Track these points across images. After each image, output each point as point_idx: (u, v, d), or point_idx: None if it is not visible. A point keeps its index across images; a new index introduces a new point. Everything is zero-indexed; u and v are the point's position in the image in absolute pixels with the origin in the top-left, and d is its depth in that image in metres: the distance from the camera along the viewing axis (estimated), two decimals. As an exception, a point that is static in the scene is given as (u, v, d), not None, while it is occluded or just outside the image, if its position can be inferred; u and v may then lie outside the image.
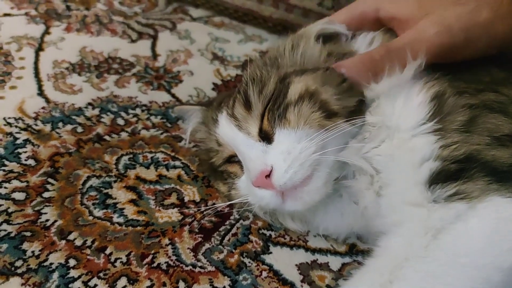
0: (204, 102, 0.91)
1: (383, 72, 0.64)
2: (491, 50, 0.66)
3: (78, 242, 0.68)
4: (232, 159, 0.72)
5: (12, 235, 0.67)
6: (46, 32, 1.11)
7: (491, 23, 0.63)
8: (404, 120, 0.62)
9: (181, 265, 0.67)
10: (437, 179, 0.57)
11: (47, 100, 0.92)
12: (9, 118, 0.86)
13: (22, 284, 0.62)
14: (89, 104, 0.93)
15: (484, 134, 0.58)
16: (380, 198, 0.63)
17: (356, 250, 0.73)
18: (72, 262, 0.66)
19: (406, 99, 0.63)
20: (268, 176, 0.62)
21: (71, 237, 0.69)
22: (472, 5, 0.63)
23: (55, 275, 0.64)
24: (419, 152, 0.59)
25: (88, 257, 0.67)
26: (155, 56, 1.10)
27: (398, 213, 0.60)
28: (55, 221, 0.71)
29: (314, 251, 0.72)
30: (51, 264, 0.65)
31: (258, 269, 0.68)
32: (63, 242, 0.68)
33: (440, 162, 0.57)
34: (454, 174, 0.57)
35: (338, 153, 0.64)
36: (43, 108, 0.90)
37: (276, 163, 0.62)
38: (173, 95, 0.99)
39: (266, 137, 0.65)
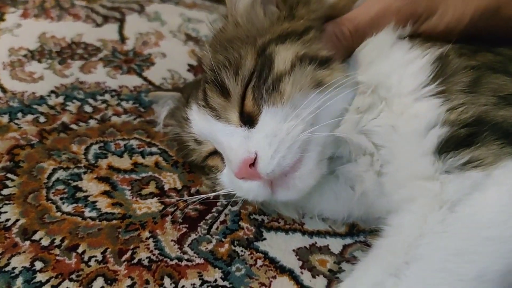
0: (178, 88, 0.83)
1: (357, 45, 0.62)
2: (460, 25, 0.61)
3: (45, 242, 0.60)
4: (212, 153, 0.64)
5: (-34, 238, 0.59)
6: (0, 19, 1.01)
7: None
8: (404, 82, 0.56)
9: (165, 259, 0.60)
10: (447, 146, 0.52)
11: (4, 90, 0.83)
12: (-40, 110, 0.76)
13: (-20, 294, 0.53)
14: (52, 92, 0.85)
15: (490, 94, 0.54)
16: (382, 177, 0.57)
17: (357, 230, 0.67)
18: (38, 265, 0.57)
19: (406, 60, 0.58)
20: (252, 164, 0.54)
21: (36, 236, 0.61)
22: None
23: (19, 281, 0.55)
24: (424, 118, 0.54)
25: (57, 257, 0.58)
26: (123, 39, 1.01)
27: (407, 189, 0.54)
28: (17, 220, 0.62)
29: (311, 234, 0.65)
30: (13, 268, 0.56)
31: (252, 258, 0.61)
32: (27, 243, 0.60)
33: (449, 128, 0.52)
34: (465, 140, 0.52)
35: (332, 129, 0.57)
36: (-1, 98, 0.81)
37: (260, 149, 0.54)
38: (145, 79, 0.91)
39: (249, 120, 0.57)
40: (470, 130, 0.52)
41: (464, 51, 0.58)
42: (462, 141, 0.52)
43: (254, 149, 0.54)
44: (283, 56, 0.58)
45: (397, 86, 0.57)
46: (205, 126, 0.60)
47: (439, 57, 0.56)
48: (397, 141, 0.55)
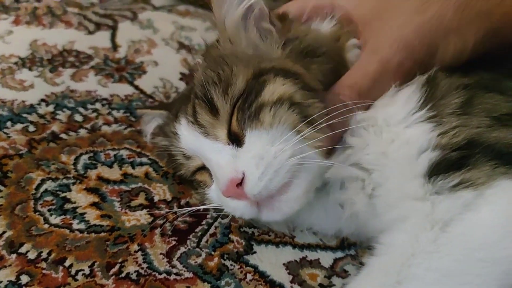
0: (165, 105, 0.81)
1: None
2: (463, 56, 0.58)
3: (32, 255, 0.59)
4: (201, 168, 0.64)
5: (-49, 251, 0.58)
6: (-9, 25, 1.00)
7: (457, 26, 0.56)
8: (393, 111, 0.56)
9: (153, 273, 0.59)
10: (438, 169, 0.51)
11: (-7, 98, 0.82)
12: None
13: (-36, 309, 0.52)
14: (42, 100, 0.84)
15: (483, 115, 0.53)
16: (374, 199, 0.56)
17: (348, 243, 0.66)
18: (24, 279, 0.56)
19: (394, 91, 0.58)
20: (239, 184, 0.54)
21: (23, 249, 0.60)
22: (433, 10, 0.57)
23: (4, 295, 0.54)
24: (415, 144, 0.53)
25: (43, 271, 0.57)
26: (115, 47, 1.01)
27: (398, 209, 0.54)
28: (4, 232, 0.61)
29: (302, 247, 0.65)
30: (-1, 282, 0.55)
31: (241, 272, 0.60)
32: (14, 256, 0.59)
33: (440, 151, 0.52)
34: (456, 163, 0.51)
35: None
36: (-12, 106, 0.80)
37: (248, 170, 0.54)
38: (136, 87, 0.90)
39: (236, 139, 0.57)
40: (462, 153, 0.51)
41: (454, 70, 0.57)
42: (453, 164, 0.51)
43: (242, 169, 0.54)
44: (274, 88, 0.57)
45: (386, 116, 0.56)
46: (194, 142, 0.60)
47: (426, 81, 0.56)
48: (388, 165, 0.55)
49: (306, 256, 0.63)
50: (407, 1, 0.58)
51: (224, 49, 0.62)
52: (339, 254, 0.64)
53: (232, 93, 0.57)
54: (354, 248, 0.65)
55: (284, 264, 0.62)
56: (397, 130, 0.55)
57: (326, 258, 0.63)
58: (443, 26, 0.56)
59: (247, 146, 0.55)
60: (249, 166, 0.54)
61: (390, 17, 0.59)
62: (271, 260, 0.62)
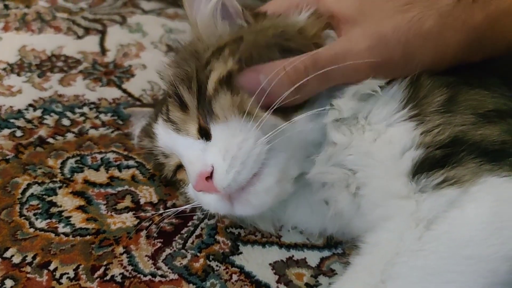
0: (152, 103, 0.82)
1: (307, 86, 0.53)
2: (444, 63, 0.56)
3: (16, 259, 0.59)
4: (180, 166, 0.63)
5: None
6: (-20, 32, 1.00)
7: (438, 32, 0.54)
8: (375, 111, 0.55)
9: (138, 275, 0.59)
10: (422, 168, 0.51)
11: (-19, 104, 0.82)
12: None
13: None
14: (30, 105, 0.84)
15: (468, 112, 0.52)
16: (358, 198, 0.56)
17: (335, 242, 0.65)
18: (8, 283, 0.56)
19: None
20: (209, 177, 0.53)
21: (7, 254, 0.59)
22: (415, 12, 0.54)
23: (-12, 300, 0.54)
24: (398, 143, 0.52)
25: (28, 275, 0.57)
26: (104, 51, 1.01)
27: (383, 208, 0.53)
28: (-11, 237, 0.61)
29: (289, 247, 0.64)
30: (-17, 287, 0.55)
31: (227, 273, 0.60)
32: (-1, 260, 0.59)
33: (423, 150, 0.51)
34: (440, 161, 0.50)
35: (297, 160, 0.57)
36: (-25, 112, 0.80)
37: (216, 162, 0.53)
38: (124, 91, 0.90)
39: (205, 133, 0.56)
40: (446, 151, 0.50)
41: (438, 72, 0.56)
42: (436, 162, 0.51)
43: (211, 162, 0.53)
44: (214, 74, 0.55)
45: (367, 114, 0.55)
46: (168, 139, 0.60)
47: (409, 82, 0.55)
48: (372, 165, 0.54)
49: (293, 256, 0.63)
50: (390, 1, 0.57)
51: (195, 47, 0.62)
52: (326, 253, 0.64)
53: (193, 89, 0.56)
54: (341, 247, 0.65)
55: (270, 264, 0.62)
56: (379, 128, 0.54)
57: (313, 258, 0.63)
58: (423, 29, 0.54)
59: (214, 140, 0.55)
60: (217, 159, 0.53)
61: (371, 14, 0.57)
62: (257, 260, 0.62)
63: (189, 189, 0.62)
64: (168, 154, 0.63)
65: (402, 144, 0.52)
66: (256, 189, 0.54)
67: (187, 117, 0.58)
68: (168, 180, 0.67)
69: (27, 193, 0.68)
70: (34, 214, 0.65)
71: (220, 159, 0.53)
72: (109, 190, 0.70)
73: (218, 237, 0.65)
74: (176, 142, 0.58)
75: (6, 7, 1.11)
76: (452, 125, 0.51)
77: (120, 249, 0.62)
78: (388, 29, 0.54)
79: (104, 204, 0.68)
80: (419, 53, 0.55)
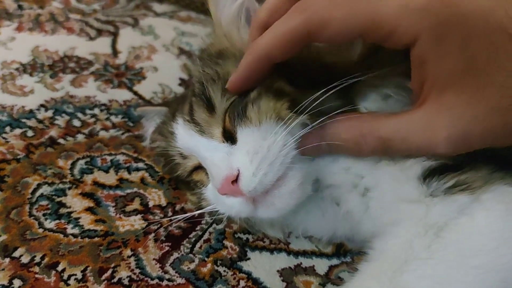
0: (165, 102, 0.83)
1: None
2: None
3: (25, 259, 0.59)
4: (197, 167, 0.63)
5: None
6: (-6, 32, 1.01)
7: None
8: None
9: (145, 278, 0.59)
10: (433, 172, 0.50)
11: (-7, 103, 0.83)
12: None
13: (-45, 313, 0.52)
14: (42, 105, 0.84)
15: None
16: (367, 199, 0.55)
17: (344, 250, 0.65)
18: (17, 283, 0.56)
19: None
20: (235, 181, 0.53)
21: (16, 253, 0.60)
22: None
23: (-4, 299, 0.54)
24: (410, 165, 0.51)
25: (36, 275, 0.57)
26: (115, 53, 1.01)
27: (392, 212, 0.53)
28: (-2, 236, 0.61)
29: (297, 254, 0.64)
30: (-9, 286, 0.55)
31: (234, 278, 0.60)
32: (7, 260, 0.59)
33: (437, 161, 0.50)
34: (452, 167, 0.50)
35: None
36: (-12, 111, 0.80)
37: (242, 166, 0.53)
38: (135, 93, 0.91)
39: (230, 136, 0.56)
40: (460, 158, 0.49)
41: None
42: (449, 168, 0.50)
43: (237, 166, 0.53)
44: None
45: None
46: (190, 140, 0.59)
47: None
48: (381, 170, 0.54)
49: (301, 263, 0.63)
50: (501, 91, 0.42)
51: (220, 45, 0.62)
52: (335, 261, 0.63)
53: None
54: (350, 255, 0.64)
55: (278, 271, 0.61)
56: None
57: (321, 265, 0.63)
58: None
59: (240, 143, 0.55)
60: (244, 162, 0.53)
61: (471, 93, 0.43)
62: (265, 266, 0.62)
63: (207, 190, 0.62)
64: (186, 155, 0.62)
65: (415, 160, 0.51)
66: (280, 192, 0.54)
67: (212, 119, 0.57)
68: (181, 179, 0.66)
69: (37, 193, 0.68)
70: (44, 215, 0.65)
71: (247, 162, 0.52)
72: (118, 192, 0.70)
73: (226, 242, 0.65)
74: (198, 144, 0.58)
75: (20, 7, 1.11)
76: None
77: (128, 252, 0.62)
78: (477, 133, 0.44)
79: (113, 206, 0.68)
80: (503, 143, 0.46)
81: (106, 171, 0.73)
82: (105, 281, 0.58)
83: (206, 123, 0.58)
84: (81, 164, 0.74)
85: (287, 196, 0.55)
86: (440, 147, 0.45)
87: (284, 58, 0.50)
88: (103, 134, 0.80)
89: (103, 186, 0.71)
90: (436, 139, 0.45)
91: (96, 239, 0.63)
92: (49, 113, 0.83)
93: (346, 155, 0.54)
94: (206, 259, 0.62)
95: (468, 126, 0.44)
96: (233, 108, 0.55)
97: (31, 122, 0.80)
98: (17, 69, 0.92)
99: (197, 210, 0.64)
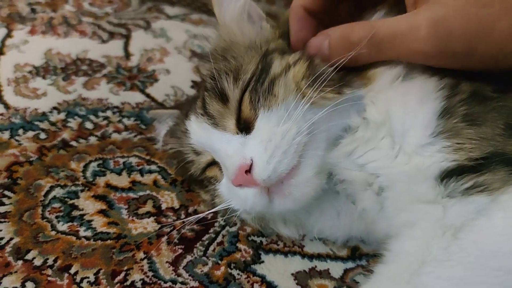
0: (177, 105, 0.83)
1: (357, 58, 0.54)
2: (505, 67, 0.51)
3: (38, 262, 0.59)
4: (211, 164, 0.63)
5: (-41, 257, 0.58)
6: (8, 35, 1.02)
7: (509, 35, 0.49)
8: (411, 134, 0.53)
9: (159, 281, 0.58)
10: (451, 173, 0.49)
11: (6, 106, 0.83)
12: (-38, 126, 0.76)
13: (-32, 315, 0.52)
14: (54, 108, 0.84)
15: (499, 123, 0.50)
16: (382, 198, 0.54)
17: (360, 253, 0.64)
18: (29, 286, 0.56)
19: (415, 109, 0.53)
20: (248, 171, 0.52)
21: (29, 256, 0.59)
22: (491, 9, 0.49)
23: (9, 302, 0.54)
24: (427, 166, 0.51)
25: (49, 278, 0.57)
26: (128, 55, 1.01)
27: (408, 213, 0.52)
28: (11, 238, 0.61)
29: (311, 257, 0.63)
30: (4, 289, 0.55)
31: (248, 282, 0.59)
32: (20, 262, 0.59)
33: (454, 163, 0.49)
34: (470, 169, 0.49)
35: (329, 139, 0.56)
36: (1, 114, 0.81)
37: (255, 155, 0.53)
38: (147, 95, 0.90)
39: (245, 126, 0.56)
40: (478, 162, 0.49)
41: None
42: (467, 170, 0.49)
43: (250, 155, 0.53)
44: (281, 62, 0.58)
45: (403, 132, 0.53)
46: (203, 135, 0.59)
47: (443, 108, 0.52)
48: (397, 170, 0.53)
49: (316, 266, 0.62)
50: None
51: (227, 42, 0.63)
52: (350, 264, 0.62)
53: (243, 79, 0.57)
54: (365, 258, 0.63)
55: (292, 274, 0.60)
56: (408, 151, 0.52)
57: (336, 269, 0.62)
58: (495, 28, 0.49)
59: (255, 131, 0.55)
60: (257, 151, 0.53)
61: None
62: (279, 270, 0.61)
63: (221, 186, 0.62)
64: (199, 151, 0.62)
65: (431, 161, 0.50)
66: (297, 180, 0.54)
67: (226, 110, 0.57)
68: (194, 178, 0.66)
69: (50, 196, 0.68)
70: (56, 217, 0.65)
71: (261, 150, 0.52)
72: (131, 195, 0.70)
73: (240, 245, 0.64)
74: (212, 137, 0.58)
75: (33, 11, 1.12)
76: (485, 140, 0.49)
77: (141, 255, 0.61)
78: (457, 20, 0.49)
79: (126, 209, 0.67)
80: (482, 50, 0.50)
81: (119, 174, 0.73)
82: (118, 284, 0.57)
83: (219, 114, 0.58)
84: (93, 166, 0.74)
85: (303, 184, 0.54)
86: (422, 30, 0.50)
87: (314, 6, 0.60)
88: (115, 136, 0.80)
89: (115, 188, 0.71)
90: (418, 21, 0.51)
91: (109, 241, 0.62)
92: (62, 116, 0.83)
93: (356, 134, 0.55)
94: (219, 262, 0.61)
95: (448, 13, 0.49)
96: (256, 90, 0.56)
97: (44, 125, 0.80)
98: (30, 72, 0.92)
99: (210, 209, 0.63)
